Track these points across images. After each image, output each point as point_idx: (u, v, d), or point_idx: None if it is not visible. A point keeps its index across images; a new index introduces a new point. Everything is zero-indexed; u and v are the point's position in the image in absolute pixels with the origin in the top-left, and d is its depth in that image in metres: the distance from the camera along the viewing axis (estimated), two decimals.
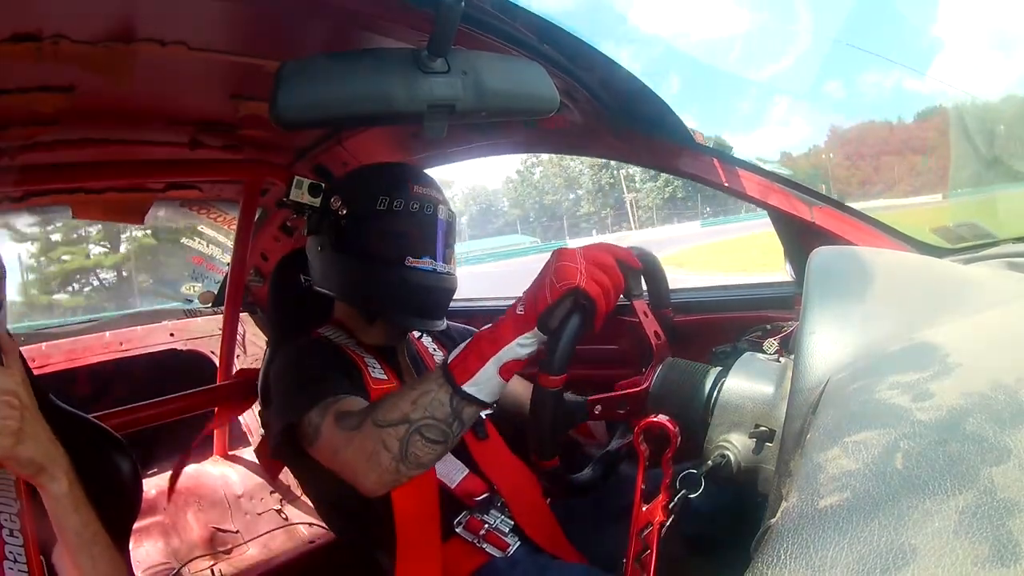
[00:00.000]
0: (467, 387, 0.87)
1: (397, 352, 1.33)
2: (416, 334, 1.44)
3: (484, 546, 1.14)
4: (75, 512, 0.81)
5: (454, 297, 1.32)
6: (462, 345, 0.91)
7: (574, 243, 1.29)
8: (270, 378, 1.25)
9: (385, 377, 1.24)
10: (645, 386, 0.95)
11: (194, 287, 2.68)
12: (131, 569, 1.23)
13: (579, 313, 0.86)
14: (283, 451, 1.15)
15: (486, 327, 0.90)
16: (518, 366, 0.88)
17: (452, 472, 1.22)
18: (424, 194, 1.25)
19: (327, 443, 1.00)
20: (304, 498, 2.32)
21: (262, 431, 2.41)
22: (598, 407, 0.96)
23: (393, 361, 1.31)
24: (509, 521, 1.18)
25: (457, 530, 1.15)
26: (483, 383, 0.87)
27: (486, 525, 1.16)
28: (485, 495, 1.22)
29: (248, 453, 2.46)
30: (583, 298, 0.85)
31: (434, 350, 1.42)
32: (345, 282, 1.28)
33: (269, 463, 1.91)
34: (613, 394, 0.96)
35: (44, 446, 0.79)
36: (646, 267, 1.06)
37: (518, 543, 1.15)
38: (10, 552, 0.83)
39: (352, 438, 0.94)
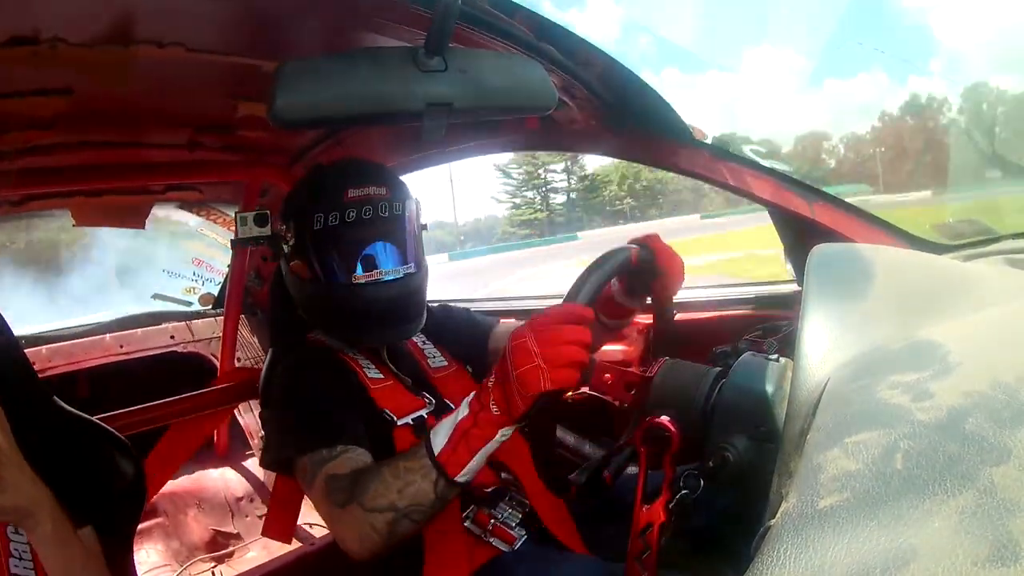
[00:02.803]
0: (460, 478, 0.90)
1: (388, 351, 1.31)
2: None
3: (491, 540, 1.13)
4: (62, 551, 0.80)
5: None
6: (444, 430, 0.91)
7: None
8: (271, 391, 1.26)
9: (381, 376, 1.24)
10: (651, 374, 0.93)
11: (194, 289, 2.69)
12: (134, 570, 1.23)
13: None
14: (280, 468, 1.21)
15: (464, 415, 0.90)
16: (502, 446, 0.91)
17: None
18: (360, 197, 1.17)
19: (317, 504, 1.06)
20: (305, 498, 2.32)
21: (262, 433, 2.43)
22: (608, 375, 0.94)
23: (384, 360, 1.29)
24: (517, 514, 1.17)
25: (465, 524, 1.15)
26: (473, 471, 0.91)
27: (493, 520, 1.15)
28: (495, 487, 1.21)
29: (248, 455, 2.46)
30: (552, 396, 0.84)
31: (423, 343, 1.40)
32: (309, 307, 1.26)
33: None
34: (622, 368, 0.95)
35: (25, 491, 0.77)
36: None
37: (524, 536, 1.15)
38: (15, 549, 0.84)
39: (341, 516, 0.98)
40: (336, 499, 1.00)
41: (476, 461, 0.90)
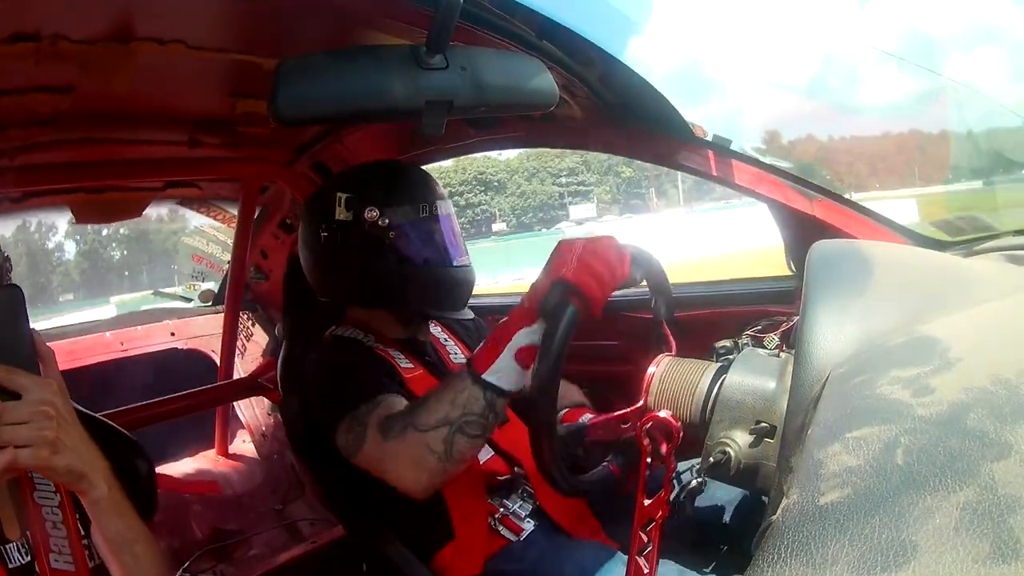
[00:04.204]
0: (487, 376, 0.92)
1: (417, 342, 1.35)
2: None
3: (499, 528, 1.16)
4: (117, 515, 0.81)
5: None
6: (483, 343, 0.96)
7: None
8: (302, 376, 1.28)
9: (412, 366, 1.26)
10: (640, 405, 0.93)
11: (194, 286, 2.68)
12: None
13: (571, 302, 0.88)
14: (313, 449, 1.23)
15: (501, 321, 0.95)
16: (533, 350, 0.90)
17: (480, 452, 1.23)
18: (442, 193, 1.30)
19: (372, 453, 1.05)
20: (305, 496, 2.32)
21: (263, 428, 2.44)
22: (600, 430, 0.97)
23: (415, 351, 1.32)
24: (528, 506, 1.20)
25: None
26: (502, 371, 0.92)
27: (502, 510, 1.18)
28: (507, 477, 1.23)
29: (249, 452, 2.46)
30: (572, 288, 0.88)
31: (445, 340, 1.43)
32: (394, 291, 1.26)
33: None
34: (612, 416, 0.96)
35: (82, 454, 0.78)
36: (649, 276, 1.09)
37: (533, 526, 1.17)
38: (55, 544, 0.84)
39: (396, 448, 0.99)
40: (393, 433, 1.01)
41: (504, 359, 0.92)
